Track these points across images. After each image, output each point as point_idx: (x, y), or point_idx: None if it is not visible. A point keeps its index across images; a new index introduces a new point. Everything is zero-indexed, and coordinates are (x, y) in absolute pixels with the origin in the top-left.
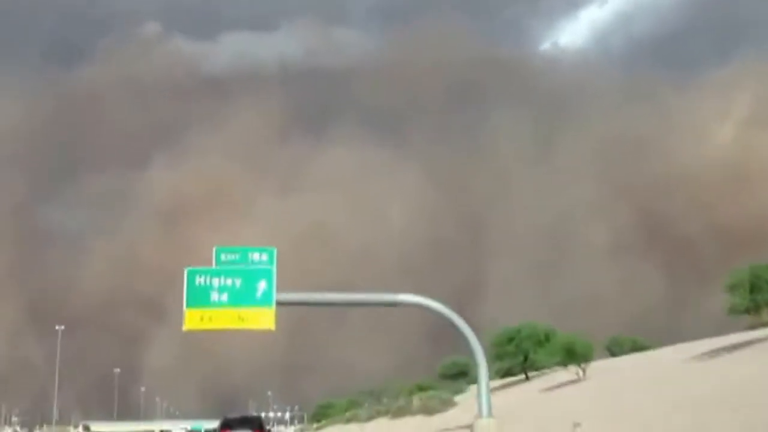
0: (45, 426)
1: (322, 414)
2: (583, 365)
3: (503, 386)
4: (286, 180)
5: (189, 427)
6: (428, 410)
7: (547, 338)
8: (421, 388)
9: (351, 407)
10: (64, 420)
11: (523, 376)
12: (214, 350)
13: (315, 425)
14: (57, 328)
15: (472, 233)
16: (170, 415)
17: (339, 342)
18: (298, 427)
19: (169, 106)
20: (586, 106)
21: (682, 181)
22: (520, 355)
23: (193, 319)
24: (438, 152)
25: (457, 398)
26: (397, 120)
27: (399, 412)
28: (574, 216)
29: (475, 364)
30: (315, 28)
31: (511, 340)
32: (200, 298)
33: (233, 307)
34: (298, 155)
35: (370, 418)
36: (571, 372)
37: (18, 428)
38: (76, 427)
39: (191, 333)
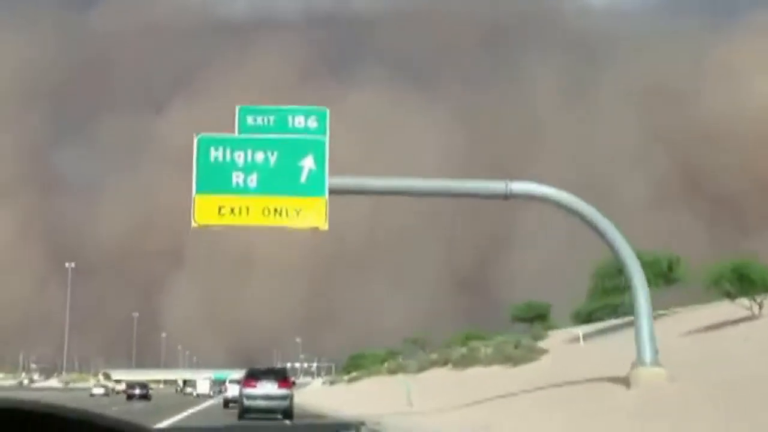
0: (65, 373)
1: (354, 365)
2: (759, 298)
3: (612, 328)
4: None
5: (212, 377)
6: (510, 359)
7: (671, 267)
8: (471, 337)
9: (389, 358)
10: (84, 368)
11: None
12: (236, 298)
13: (346, 377)
14: (67, 265)
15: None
16: (193, 365)
17: (362, 293)
18: (327, 378)
19: (188, 49)
20: (621, 54)
21: (723, 133)
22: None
23: (206, 211)
24: (468, 100)
25: (540, 345)
26: (425, 66)
27: (463, 362)
28: (610, 166)
29: (628, 282)
30: None
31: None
32: (217, 179)
33: (266, 194)
34: (321, 100)
35: (422, 369)
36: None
37: (34, 375)
38: (96, 375)
39: (212, 279)
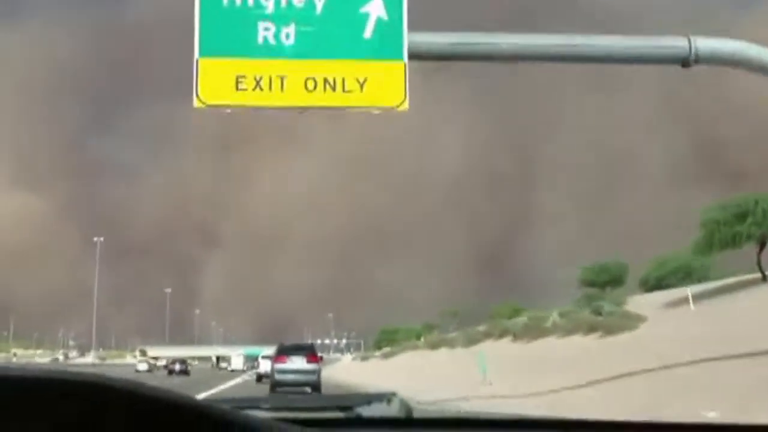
0: (101, 350)
1: (387, 340)
2: None
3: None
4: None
5: (244, 353)
6: (597, 328)
7: None
8: (518, 309)
9: (425, 331)
10: (120, 345)
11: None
12: (266, 276)
13: (379, 352)
14: (95, 239)
15: (521, 160)
16: (227, 341)
17: (383, 273)
18: (357, 354)
19: None
20: (643, 27)
21: (745, 108)
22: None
23: (216, 83)
24: (488, 76)
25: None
26: None
27: (528, 333)
28: (631, 140)
29: None
30: None
31: (743, 217)
32: (234, 35)
33: (310, 57)
34: None
35: (471, 342)
36: None
37: (71, 352)
38: (133, 350)
39: (244, 257)
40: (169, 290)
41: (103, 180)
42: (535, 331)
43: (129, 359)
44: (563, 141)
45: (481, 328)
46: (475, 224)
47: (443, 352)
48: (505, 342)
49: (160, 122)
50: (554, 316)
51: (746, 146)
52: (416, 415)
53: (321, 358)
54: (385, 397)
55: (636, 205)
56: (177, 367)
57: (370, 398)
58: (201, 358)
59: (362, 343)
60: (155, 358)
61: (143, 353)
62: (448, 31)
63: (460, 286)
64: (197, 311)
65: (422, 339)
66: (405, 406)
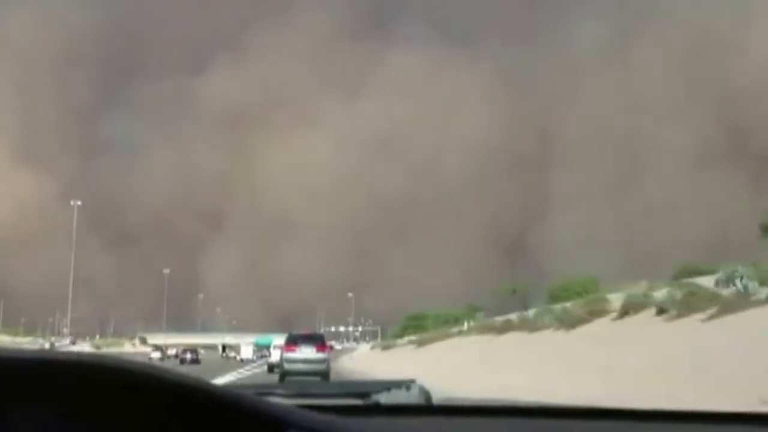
0: (98, 337)
1: (414, 326)
2: None
3: None
4: (352, 84)
5: (254, 341)
6: (706, 307)
7: None
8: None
9: (466, 317)
10: (119, 332)
11: None
12: (274, 261)
13: (405, 339)
14: (72, 203)
15: (543, 142)
16: (234, 329)
17: (399, 258)
18: (376, 343)
19: (230, 9)
20: (665, 11)
21: (766, 90)
22: None
23: None
24: (511, 57)
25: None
26: (466, 24)
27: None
28: (652, 123)
29: None
30: None
31: None
32: None
33: None
34: (365, 58)
35: (535, 329)
36: None
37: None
38: (132, 338)
39: (252, 241)
40: (167, 271)
41: (109, 161)
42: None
43: (128, 347)
44: (586, 122)
45: (547, 318)
46: (495, 207)
47: (518, 338)
48: (604, 322)
49: (168, 98)
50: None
51: None
52: (436, 402)
53: (331, 347)
54: (404, 384)
55: (660, 187)
56: (188, 356)
57: (388, 385)
58: (206, 347)
59: (379, 330)
60: (157, 347)
61: (143, 341)
62: None
63: (480, 272)
64: (200, 296)
65: (470, 322)
66: (424, 393)
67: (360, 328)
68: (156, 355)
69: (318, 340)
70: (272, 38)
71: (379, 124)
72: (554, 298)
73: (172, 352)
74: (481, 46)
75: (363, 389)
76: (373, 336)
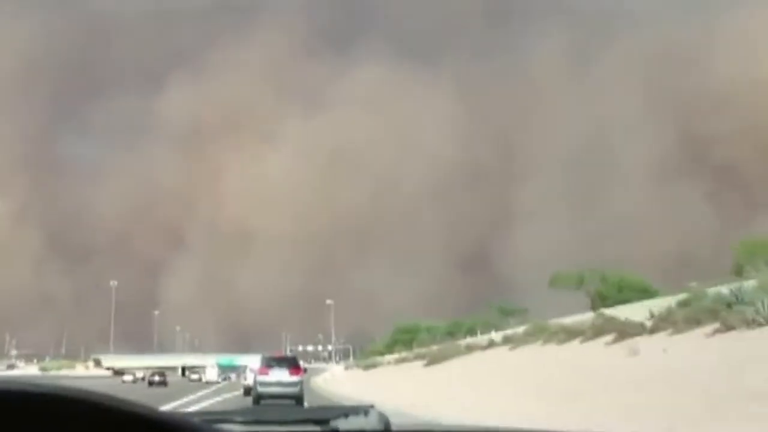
0: (48, 359)
1: (403, 341)
2: None
3: None
4: (312, 100)
5: (217, 362)
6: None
7: None
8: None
9: (473, 328)
10: (72, 353)
11: None
12: (236, 280)
13: (389, 357)
14: None
15: (504, 156)
16: (194, 349)
17: (361, 275)
18: (349, 362)
19: (188, 27)
20: (628, 21)
21: (728, 101)
22: None
23: None
24: (471, 72)
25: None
26: (428, 40)
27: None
28: (612, 137)
29: None
30: None
31: None
32: None
33: None
34: (323, 74)
35: (549, 340)
36: None
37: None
38: (86, 360)
39: (214, 257)
40: (114, 283)
41: (63, 176)
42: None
43: (80, 370)
44: (547, 136)
45: (560, 333)
46: (457, 221)
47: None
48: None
49: (127, 117)
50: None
51: (732, 140)
52: (394, 428)
53: (305, 370)
54: (362, 410)
55: (622, 200)
56: (156, 378)
57: (347, 411)
58: (165, 369)
59: (351, 349)
60: (116, 371)
61: (97, 363)
62: None
63: (444, 287)
64: (156, 312)
65: (472, 339)
66: (383, 419)
67: (330, 347)
68: (128, 378)
69: (292, 363)
70: (231, 55)
71: (340, 139)
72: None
73: (140, 375)
74: (442, 61)
75: (321, 415)
76: (345, 355)
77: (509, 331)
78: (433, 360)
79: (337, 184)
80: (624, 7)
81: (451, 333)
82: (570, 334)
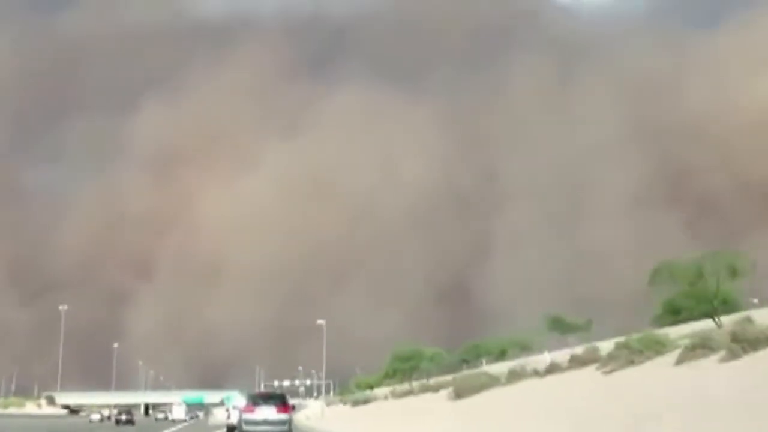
0: None
1: (403, 369)
2: None
3: None
4: (290, 125)
5: (184, 399)
6: None
7: None
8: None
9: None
10: (22, 390)
11: None
12: (205, 312)
13: (375, 392)
14: None
15: (484, 184)
16: (159, 385)
17: (338, 306)
18: (330, 398)
19: (162, 50)
20: (605, 54)
21: (706, 132)
22: None
23: None
24: (452, 99)
25: None
26: (409, 67)
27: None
28: (591, 166)
29: None
30: None
31: None
32: None
33: None
34: (302, 100)
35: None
36: None
37: None
38: (38, 398)
39: (182, 289)
40: (64, 307)
41: (28, 204)
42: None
43: (31, 408)
44: (527, 165)
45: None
46: (436, 249)
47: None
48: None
49: (95, 140)
50: None
51: (710, 170)
52: None
53: (293, 407)
54: None
55: (600, 229)
56: (123, 417)
57: None
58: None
59: (332, 384)
60: (74, 411)
61: (51, 400)
62: None
63: (424, 317)
64: (116, 345)
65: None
66: None
67: (308, 382)
68: (96, 417)
69: (279, 400)
70: (206, 79)
71: (317, 165)
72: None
73: (105, 413)
74: (422, 87)
75: None
76: (325, 390)
77: (571, 350)
78: (461, 392)
79: (314, 211)
80: (604, 37)
81: (466, 360)
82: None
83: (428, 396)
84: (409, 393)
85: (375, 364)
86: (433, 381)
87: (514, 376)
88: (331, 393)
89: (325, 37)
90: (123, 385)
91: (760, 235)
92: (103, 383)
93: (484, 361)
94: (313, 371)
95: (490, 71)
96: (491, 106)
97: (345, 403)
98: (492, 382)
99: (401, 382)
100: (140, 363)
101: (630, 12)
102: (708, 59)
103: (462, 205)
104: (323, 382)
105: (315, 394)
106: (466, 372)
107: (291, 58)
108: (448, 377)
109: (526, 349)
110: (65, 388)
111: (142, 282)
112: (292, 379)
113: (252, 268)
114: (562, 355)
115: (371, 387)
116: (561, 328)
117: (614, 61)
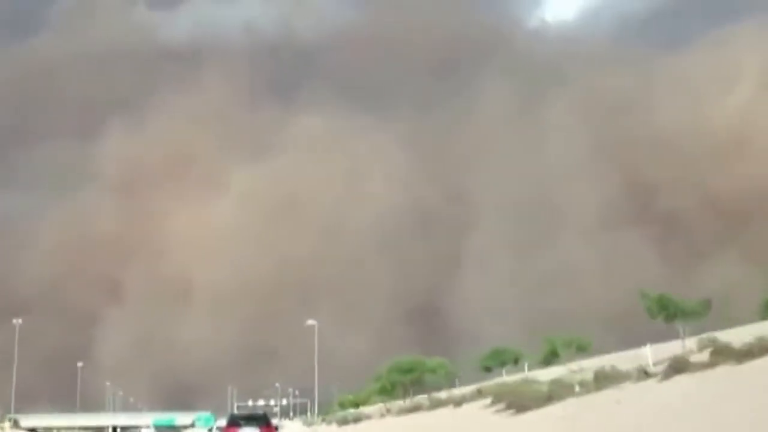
0: None
1: (402, 385)
2: None
3: None
4: (256, 148)
5: (153, 422)
6: None
7: None
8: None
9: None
10: None
11: None
12: (174, 332)
13: (387, 405)
14: None
15: (452, 205)
16: (128, 407)
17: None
18: (308, 418)
19: (128, 75)
20: (571, 76)
21: (674, 151)
22: None
23: None
24: (418, 121)
25: None
26: (375, 90)
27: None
28: (558, 187)
29: None
30: None
31: None
32: None
33: None
34: (268, 122)
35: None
36: None
37: None
38: (2, 421)
39: (150, 308)
40: (18, 321)
41: None
42: None
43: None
44: (494, 184)
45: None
46: (405, 269)
47: None
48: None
49: (61, 165)
50: None
51: (678, 189)
52: None
53: (276, 428)
54: None
55: (567, 248)
56: None
57: None
58: (94, 429)
59: (309, 403)
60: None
61: (15, 423)
62: None
63: (393, 336)
64: (80, 364)
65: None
66: None
67: (284, 401)
68: None
69: (262, 422)
70: (174, 102)
71: (284, 187)
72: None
73: None
74: (388, 108)
75: None
76: (302, 410)
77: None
78: (520, 402)
79: (282, 233)
80: (571, 58)
81: (487, 368)
82: None
83: (448, 411)
84: (416, 408)
85: (347, 383)
86: (445, 394)
87: (607, 379)
88: (308, 413)
89: (292, 60)
90: (92, 408)
91: (727, 252)
92: (71, 406)
93: (504, 371)
94: (291, 389)
95: (458, 91)
96: (459, 126)
97: (329, 423)
98: (563, 390)
99: (403, 396)
100: (107, 384)
101: (597, 34)
102: (675, 79)
103: (430, 224)
104: (286, 402)
105: (291, 414)
106: (500, 380)
107: (257, 80)
108: (466, 388)
109: (582, 349)
110: (33, 410)
111: (111, 304)
112: (267, 398)
113: (221, 288)
114: (663, 350)
115: (357, 405)
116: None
117: (582, 82)
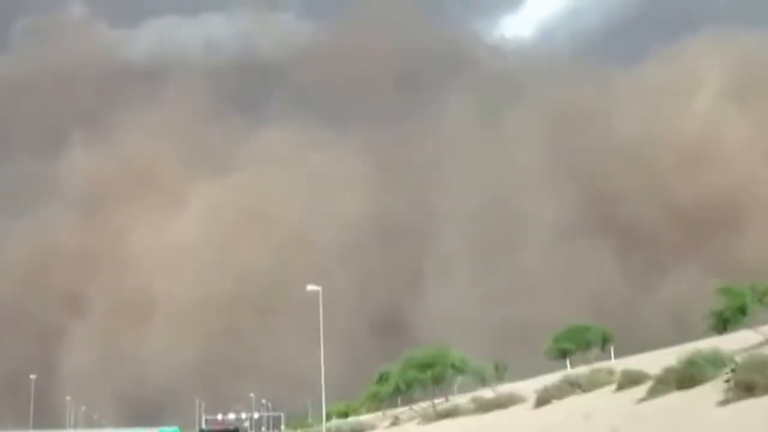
0: None
1: (422, 383)
2: None
3: None
4: (218, 163)
5: None
6: None
7: None
8: None
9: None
10: None
11: None
12: (138, 346)
13: (396, 412)
14: None
15: (414, 217)
16: (91, 423)
17: (269, 340)
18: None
19: (90, 92)
20: (531, 89)
21: (633, 161)
22: None
23: None
24: (380, 135)
25: None
26: (336, 105)
27: None
28: (520, 198)
29: None
30: (249, 14)
31: None
32: None
33: None
34: (230, 136)
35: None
36: None
37: None
38: None
39: (113, 323)
40: None
41: None
42: None
43: None
44: (456, 196)
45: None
46: (368, 281)
47: None
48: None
49: (20, 181)
50: None
51: (639, 199)
52: None
53: None
54: None
55: (530, 259)
56: None
57: None
58: None
59: (282, 417)
60: None
61: None
62: None
63: (357, 349)
64: (32, 376)
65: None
66: None
67: (257, 415)
68: None
69: None
70: (135, 117)
71: (247, 201)
72: None
73: None
74: (350, 121)
75: None
76: (275, 423)
77: None
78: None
79: (245, 247)
80: (531, 72)
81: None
82: None
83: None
84: (450, 414)
85: (314, 397)
86: (469, 396)
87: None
88: (282, 426)
89: (254, 76)
90: (53, 425)
91: (688, 263)
92: (29, 422)
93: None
94: (264, 401)
95: (420, 105)
96: (421, 139)
97: None
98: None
99: (422, 398)
100: (68, 398)
101: (555, 50)
102: (634, 91)
103: (393, 235)
104: (264, 415)
105: (264, 428)
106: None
107: (219, 96)
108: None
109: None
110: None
111: (73, 320)
112: (238, 411)
113: (184, 302)
114: None
115: (346, 414)
116: None
117: (542, 95)
